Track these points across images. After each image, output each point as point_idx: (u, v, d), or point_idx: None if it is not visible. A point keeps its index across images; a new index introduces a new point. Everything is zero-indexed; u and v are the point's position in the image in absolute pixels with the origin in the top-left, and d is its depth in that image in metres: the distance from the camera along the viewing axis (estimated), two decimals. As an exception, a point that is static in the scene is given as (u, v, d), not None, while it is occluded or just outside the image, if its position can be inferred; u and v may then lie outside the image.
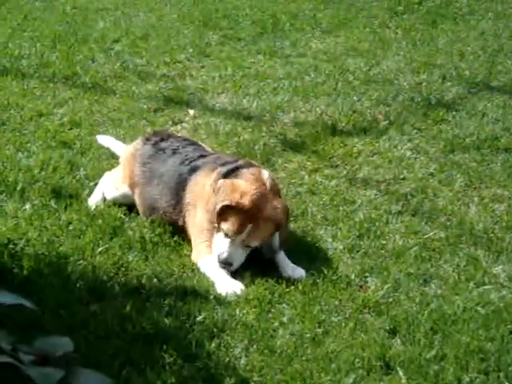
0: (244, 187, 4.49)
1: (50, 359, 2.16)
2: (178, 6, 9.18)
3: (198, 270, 4.52)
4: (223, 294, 4.29)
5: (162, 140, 5.13)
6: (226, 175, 4.61)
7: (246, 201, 4.45)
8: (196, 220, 4.68)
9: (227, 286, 4.35)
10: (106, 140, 5.83)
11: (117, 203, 5.07)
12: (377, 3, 9.13)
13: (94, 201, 5.09)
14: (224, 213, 4.46)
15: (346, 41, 8.00)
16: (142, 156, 5.10)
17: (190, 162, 4.88)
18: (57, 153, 5.73)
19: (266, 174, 4.64)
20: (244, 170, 4.61)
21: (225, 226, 4.47)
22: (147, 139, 5.20)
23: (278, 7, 9.02)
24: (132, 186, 5.07)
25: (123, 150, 5.51)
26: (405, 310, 4.17)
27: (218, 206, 4.46)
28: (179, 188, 4.79)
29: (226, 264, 4.47)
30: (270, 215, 4.47)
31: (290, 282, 4.39)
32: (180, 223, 4.77)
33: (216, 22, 8.60)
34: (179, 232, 4.77)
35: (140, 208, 5.01)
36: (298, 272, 4.48)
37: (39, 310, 3.76)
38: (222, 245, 4.49)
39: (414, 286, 4.39)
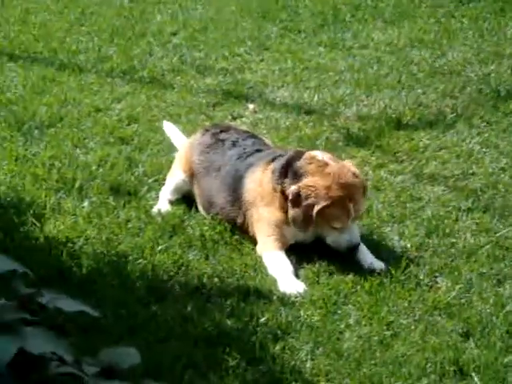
0: (319, 181, 4.42)
1: (116, 372, 2.05)
2: (236, -2, 9.07)
3: (262, 266, 4.42)
4: (286, 292, 4.20)
5: (222, 131, 5.08)
6: (281, 172, 4.54)
7: (334, 191, 4.40)
8: (260, 216, 4.60)
9: (290, 285, 4.26)
10: (170, 128, 5.70)
11: (176, 195, 5.00)
12: (440, -8, 8.93)
13: (158, 208, 4.95)
14: (325, 212, 4.40)
15: (410, 31, 7.81)
16: (200, 145, 5.05)
17: (247, 156, 4.82)
18: (115, 149, 5.67)
19: (317, 152, 4.59)
20: (297, 163, 4.51)
21: (337, 223, 4.43)
22: (206, 130, 5.18)
23: (339, -2, 8.86)
24: (191, 176, 5.02)
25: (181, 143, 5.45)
26: (478, 311, 4.03)
27: (316, 210, 4.39)
28: (236, 185, 4.73)
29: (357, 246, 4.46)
30: (356, 183, 4.48)
31: (356, 282, 4.27)
32: (239, 221, 4.69)
33: (275, 13, 8.46)
34: (238, 230, 4.68)
35: (198, 200, 4.94)
36: (378, 264, 4.40)
37: (100, 314, 3.68)
38: (343, 235, 4.44)
39: (487, 286, 4.24)
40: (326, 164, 4.49)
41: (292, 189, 4.44)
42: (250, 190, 4.67)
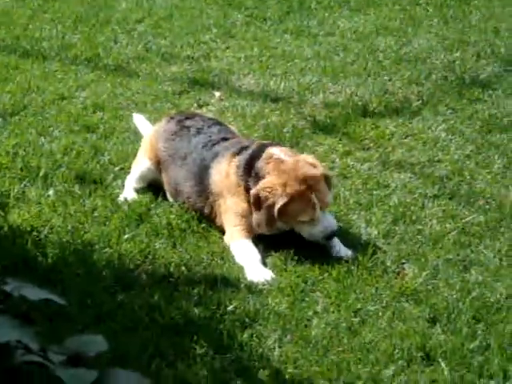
0: (275, 180, 4.39)
1: (83, 359, 2.02)
2: (201, -15, 9.00)
3: (229, 254, 4.40)
4: (254, 280, 4.18)
5: (187, 118, 5.06)
6: (245, 169, 4.52)
7: (291, 187, 4.36)
8: (228, 206, 4.58)
9: (258, 273, 4.24)
10: (139, 120, 5.66)
11: (142, 183, 4.97)
12: (405, -20, 8.94)
13: (124, 197, 4.91)
14: (287, 209, 4.37)
15: (376, 19, 7.82)
16: (165, 132, 5.01)
17: (212, 145, 4.78)
18: (80, 137, 5.61)
19: (275, 150, 4.54)
20: (258, 163, 4.49)
21: (303, 217, 4.39)
22: (171, 117, 5.15)
23: (304, -15, 8.83)
24: (156, 164, 4.99)
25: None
26: (445, 297, 4.03)
27: (276, 209, 4.36)
28: (202, 175, 4.71)
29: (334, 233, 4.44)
30: (314, 173, 4.42)
31: (323, 269, 4.26)
32: (206, 211, 4.67)
33: (241, 1, 8.42)
34: (206, 219, 4.66)
35: (166, 187, 4.92)
36: (346, 251, 4.40)
37: (66, 302, 3.64)
38: (316, 227, 4.40)
39: (453, 272, 4.25)
40: (282, 161, 4.46)
41: (252, 192, 4.43)
42: (216, 182, 4.64)
